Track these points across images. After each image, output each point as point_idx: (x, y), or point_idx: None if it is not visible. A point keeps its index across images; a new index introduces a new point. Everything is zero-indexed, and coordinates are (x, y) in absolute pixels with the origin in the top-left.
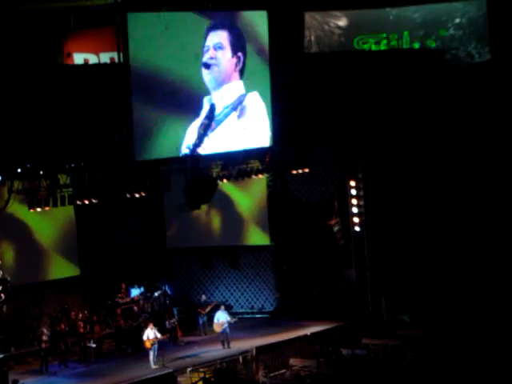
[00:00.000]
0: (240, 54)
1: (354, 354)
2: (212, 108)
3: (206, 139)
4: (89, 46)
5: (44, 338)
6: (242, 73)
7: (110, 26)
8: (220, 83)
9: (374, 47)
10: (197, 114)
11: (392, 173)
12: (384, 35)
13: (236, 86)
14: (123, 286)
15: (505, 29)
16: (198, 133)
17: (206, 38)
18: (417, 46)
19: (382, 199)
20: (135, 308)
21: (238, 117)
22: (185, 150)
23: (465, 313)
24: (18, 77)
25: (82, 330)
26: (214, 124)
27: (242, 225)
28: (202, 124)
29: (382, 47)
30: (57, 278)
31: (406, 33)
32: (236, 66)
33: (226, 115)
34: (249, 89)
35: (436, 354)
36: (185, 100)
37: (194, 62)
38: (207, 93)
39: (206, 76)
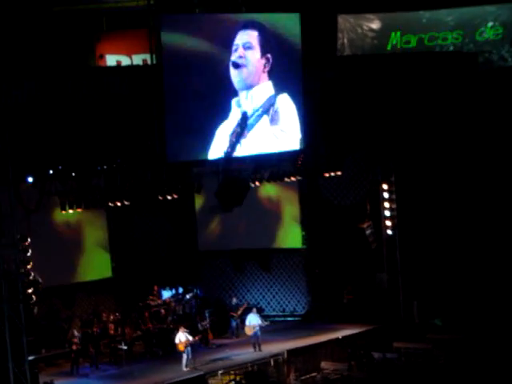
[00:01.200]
0: (269, 55)
1: (385, 358)
2: (244, 116)
3: (238, 146)
4: (121, 47)
5: (75, 340)
6: (270, 74)
7: (143, 28)
8: (249, 84)
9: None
10: (226, 116)
11: (425, 176)
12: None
13: (265, 88)
14: (155, 288)
15: None
16: (230, 141)
17: (235, 37)
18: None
19: (414, 202)
20: (162, 311)
21: (270, 120)
22: (214, 155)
23: (496, 317)
24: (51, 78)
25: (112, 332)
26: (246, 132)
27: (273, 227)
28: (233, 132)
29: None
30: (88, 279)
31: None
32: (265, 66)
33: (257, 119)
34: (278, 90)
35: (467, 357)
36: (214, 102)
37: (224, 63)
38: (235, 94)
39: (235, 76)
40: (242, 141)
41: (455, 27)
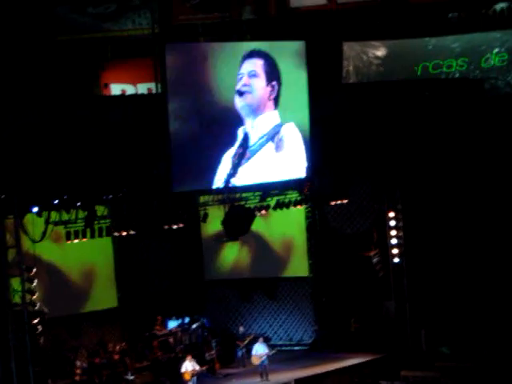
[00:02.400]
0: (274, 83)
1: None
2: (246, 137)
3: (240, 169)
4: (126, 76)
5: (78, 371)
6: (276, 102)
7: (148, 57)
8: (254, 111)
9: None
10: (231, 146)
11: (432, 204)
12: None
13: (271, 116)
14: (159, 318)
15: None
16: (232, 162)
17: (241, 67)
18: (460, 74)
19: (421, 230)
20: (171, 340)
21: (275, 148)
22: (219, 183)
23: (505, 344)
24: (56, 107)
25: (119, 362)
26: (248, 153)
27: (280, 256)
28: (235, 154)
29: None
30: (94, 309)
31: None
32: (270, 94)
33: (262, 145)
34: (285, 119)
35: None
36: (220, 131)
37: (230, 92)
38: (241, 123)
39: (240, 103)
40: (246, 164)
41: (461, 54)
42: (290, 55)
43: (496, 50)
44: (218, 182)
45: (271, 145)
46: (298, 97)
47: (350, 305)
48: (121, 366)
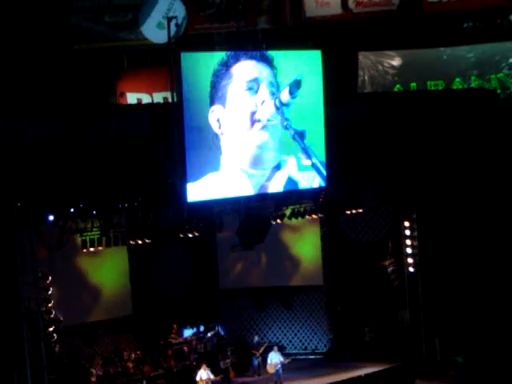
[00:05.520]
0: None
1: None
2: None
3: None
4: (142, 85)
5: (93, 379)
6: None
7: (164, 66)
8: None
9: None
10: None
11: (447, 213)
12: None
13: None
14: (175, 326)
15: None
16: None
17: (255, 72)
18: (475, 84)
19: (436, 240)
20: (185, 348)
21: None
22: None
23: None
24: (72, 116)
25: (134, 371)
26: None
27: (295, 265)
28: None
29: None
30: (109, 317)
31: (457, 78)
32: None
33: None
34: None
35: None
36: None
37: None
38: None
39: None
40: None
41: (476, 63)
42: (306, 64)
43: (511, 60)
44: (234, 191)
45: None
46: (313, 106)
47: (364, 314)
48: (136, 374)
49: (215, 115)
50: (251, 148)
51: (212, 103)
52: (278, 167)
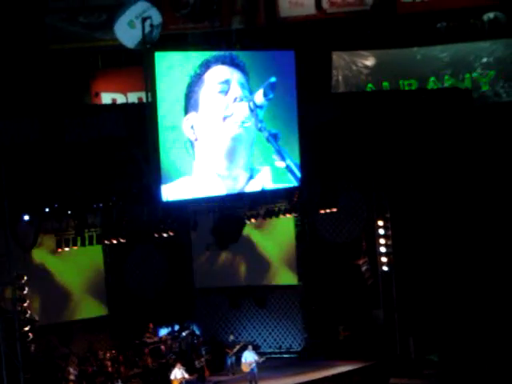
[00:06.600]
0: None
1: None
2: None
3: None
4: (116, 85)
5: (71, 377)
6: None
7: (138, 66)
8: None
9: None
10: None
11: (420, 212)
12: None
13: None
14: (151, 325)
15: None
16: None
17: (227, 74)
18: (448, 83)
19: (410, 238)
20: (162, 347)
21: None
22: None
23: (494, 352)
24: (47, 116)
25: (109, 370)
26: None
27: (269, 264)
28: None
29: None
30: (84, 317)
31: (432, 78)
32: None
33: None
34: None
35: None
36: None
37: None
38: None
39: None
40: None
41: (449, 63)
42: (279, 65)
43: (484, 60)
44: (209, 190)
45: None
46: (286, 106)
47: (339, 313)
48: (112, 373)
49: (189, 123)
50: (225, 141)
51: (186, 112)
52: (251, 176)
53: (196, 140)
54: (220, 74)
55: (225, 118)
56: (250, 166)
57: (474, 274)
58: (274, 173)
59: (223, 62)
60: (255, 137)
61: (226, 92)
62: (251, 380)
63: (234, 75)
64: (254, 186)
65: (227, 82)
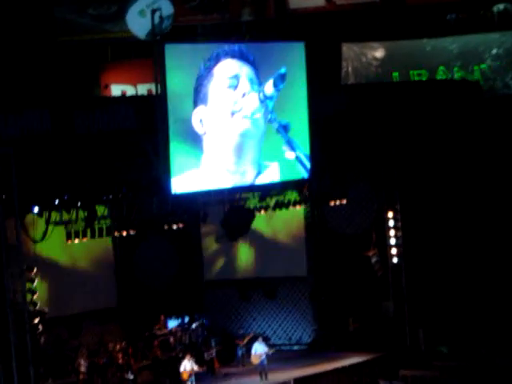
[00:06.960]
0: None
1: None
2: None
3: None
4: (126, 77)
5: (82, 369)
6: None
7: (148, 58)
8: None
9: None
10: None
11: (430, 204)
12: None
13: None
14: (162, 317)
15: None
16: None
17: (236, 66)
18: (458, 75)
19: (420, 230)
20: (171, 339)
21: None
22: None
23: (503, 343)
24: (57, 108)
25: (119, 362)
26: None
27: (279, 256)
28: None
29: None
30: (94, 309)
31: (441, 67)
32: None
33: None
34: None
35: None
36: None
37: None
38: None
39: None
40: None
41: (459, 55)
42: (289, 56)
43: (494, 52)
44: (219, 182)
45: None
46: (296, 98)
47: (348, 304)
48: (122, 365)
49: (198, 116)
50: (234, 137)
51: (195, 106)
52: (259, 172)
53: (205, 134)
54: (229, 68)
55: (233, 114)
56: (258, 162)
57: (484, 265)
58: (282, 168)
59: (233, 56)
60: (264, 131)
61: (235, 87)
62: (261, 372)
63: (243, 70)
64: (262, 181)
65: (236, 76)
